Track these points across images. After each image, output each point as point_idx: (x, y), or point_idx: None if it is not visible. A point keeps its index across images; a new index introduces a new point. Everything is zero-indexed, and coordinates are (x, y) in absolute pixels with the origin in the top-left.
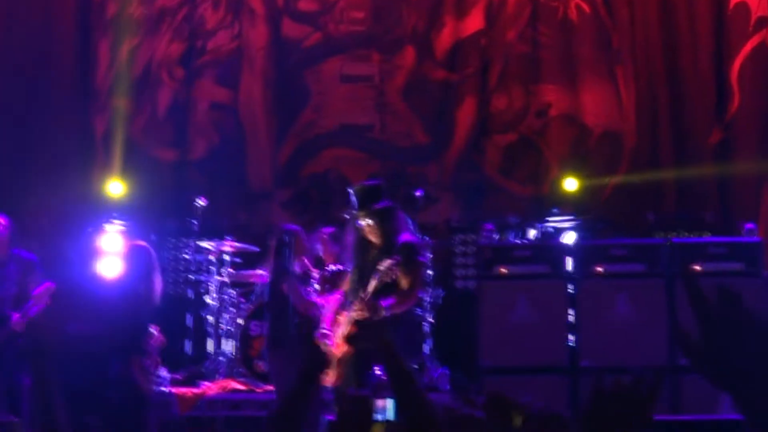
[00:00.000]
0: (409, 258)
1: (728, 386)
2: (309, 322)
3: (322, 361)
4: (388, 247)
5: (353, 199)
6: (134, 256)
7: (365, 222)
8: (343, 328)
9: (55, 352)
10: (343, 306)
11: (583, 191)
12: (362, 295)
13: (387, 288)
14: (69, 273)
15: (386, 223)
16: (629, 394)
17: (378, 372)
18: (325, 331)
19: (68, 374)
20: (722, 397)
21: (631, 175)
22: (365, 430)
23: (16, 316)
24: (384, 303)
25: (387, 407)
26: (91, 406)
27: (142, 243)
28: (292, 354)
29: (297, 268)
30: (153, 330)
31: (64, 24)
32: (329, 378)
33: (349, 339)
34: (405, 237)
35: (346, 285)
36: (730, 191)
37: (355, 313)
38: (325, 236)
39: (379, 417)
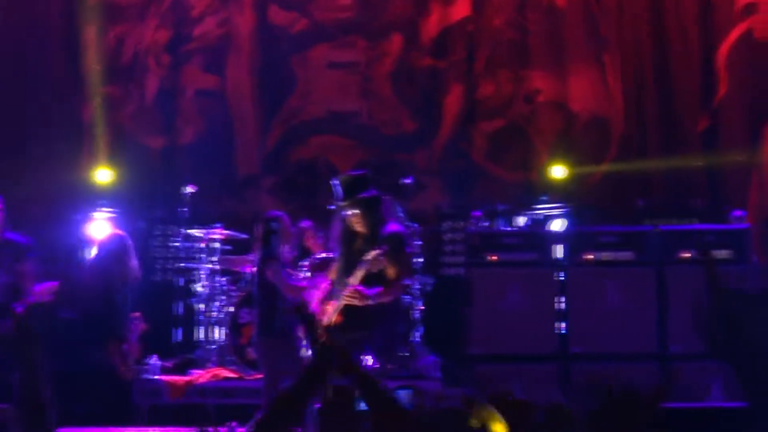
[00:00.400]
0: (395, 248)
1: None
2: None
3: (332, 357)
4: (374, 237)
5: (338, 189)
6: (106, 243)
7: (351, 211)
8: (329, 317)
9: (44, 339)
10: (329, 295)
11: (572, 178)
12: (349, 282)
13: (373, 277)
14: (58, 261)
15: (372, 212)
16: (636, 393)
17: (365, 361)
18: None
19: (56, 361)
20: (713, 385)
21: (619, 161)
22: (349, 420)
23: (18, 309)
24: (370, 292)
25: None
26: (76, 395)
27: (118, 231)
28: (281, 341)
29: (286, 254)
30: (134, 316)
31: (50, 10)
32: None
33: (335, 328)
34: (391, 227)
35: (332, 274)
36: (718, 178)
37: (344, 298)
38: (306, 227)
39: (363, 407)
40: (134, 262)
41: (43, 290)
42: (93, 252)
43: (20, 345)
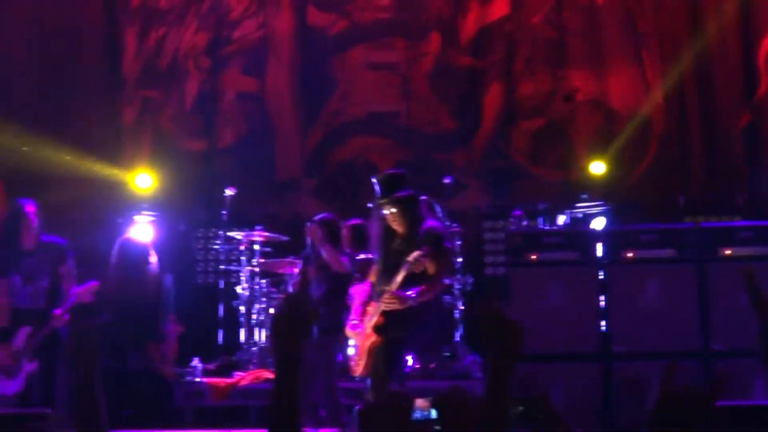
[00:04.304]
0: (434, 245)
1: None
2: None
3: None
4: (412, 235)
5: (376, 187)
6: (127, 248)
7: (388, 210)
8: (371, 318)
9: (98, 345)
10: (370, 296)
11: (612, 176)
12: (389, 288)
13: (415, 277)
14: (100, 265)
15: (409, 211)
16: (695, 394)
17: (408, 361)
18: (354, 321)
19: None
20: (756, 383)
21: (660, 158)
22: (403, 428)
23: (57, 311)
24: (412, 293)
25: (426, 407)
26: (119, 396)
27: (131, 237)
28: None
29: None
30: (170, 318)
31: (92, 13)
32: (358, 368)
33: (377, 329)
34: (429, 223)
35: (372, 275)
36: (760, 173)
37: (384, 305)
38: (348, 227)
39: (418, 416)
40: (153, 262)
41: (84, 291)
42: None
43: (77, 350)
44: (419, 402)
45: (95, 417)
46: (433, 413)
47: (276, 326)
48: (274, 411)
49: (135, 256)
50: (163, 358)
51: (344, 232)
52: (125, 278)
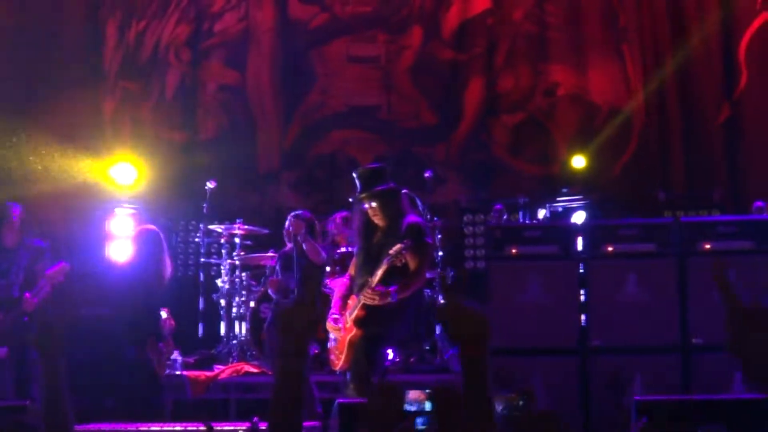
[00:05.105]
0: (416, 239)
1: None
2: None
3: None
4: (393, 229)
5: (357, 182)
6: (143, 239)
7: (369, 204)
8: (352, 311)
9: (65, 336)
10: (350, 289)
11: (592, 170)
12: (371, 281)
13: (396, 271)
14: (80, 257)
15: (389, 204)
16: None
17: (389, 355)
18: (335, 315)
19: (82, 358)
20: (735, 377)
21: (640, 152)
22: (394, 421)
23: (27, 294)
24: (392, 289)
25: (421, 399)
26: (106, 390)
27: (151, 227)
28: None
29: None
30: (164, 313)
31: (73, 5)
32: (339, 361)
33: (358, 322)
34: (410, 218)
35: (352, 268)
36: (739, 169)
37: (364, 299)
38: (338, 220)
39: (411, 408)
40: (168, 260)
41: (55, 271)
42: (128, 247)
43: (41, 341)
44: (413, 394)
45: (61, 409)
46: (428, 406)
47: (283, 321)
48: (276, 406)
49: (164, 248)
50: (160, 354)
51: (337, 222)
52: (137, 272)
